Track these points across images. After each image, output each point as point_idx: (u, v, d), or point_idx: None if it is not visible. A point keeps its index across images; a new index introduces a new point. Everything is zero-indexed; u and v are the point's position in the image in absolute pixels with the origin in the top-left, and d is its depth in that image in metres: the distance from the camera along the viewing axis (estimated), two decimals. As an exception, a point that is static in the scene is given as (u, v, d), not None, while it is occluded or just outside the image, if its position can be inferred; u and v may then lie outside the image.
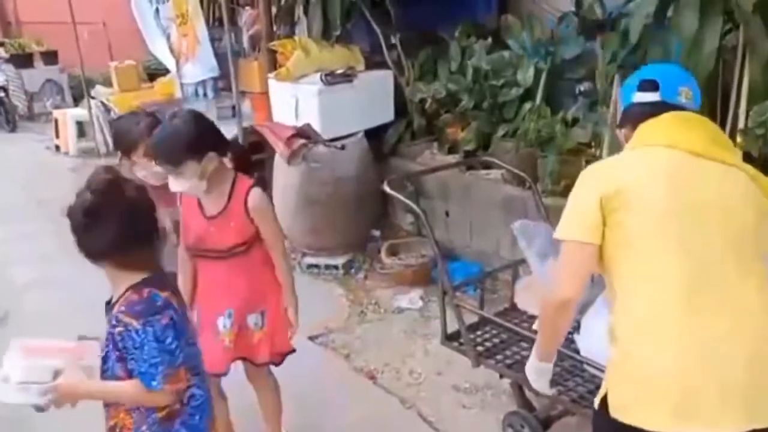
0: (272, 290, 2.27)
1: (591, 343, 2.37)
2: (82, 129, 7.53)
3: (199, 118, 2.13)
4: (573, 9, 3.86)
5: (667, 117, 1.57)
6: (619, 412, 1.48)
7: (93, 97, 7.26)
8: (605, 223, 1.51)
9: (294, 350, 2.35)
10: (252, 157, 2.36)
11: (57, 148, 7.76)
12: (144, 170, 2.21)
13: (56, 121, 7.79)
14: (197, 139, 2.03)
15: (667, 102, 1.60)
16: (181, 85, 5.52)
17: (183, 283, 2.20)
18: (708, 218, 1.48)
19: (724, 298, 1.45)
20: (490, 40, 4.23)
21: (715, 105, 3.06)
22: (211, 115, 5.00)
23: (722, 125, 3.03)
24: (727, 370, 1.41)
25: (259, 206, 2.14)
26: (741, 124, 2.90)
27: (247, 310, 2.24)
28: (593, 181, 1.57)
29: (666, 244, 1.47)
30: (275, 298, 2.28)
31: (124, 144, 2.24)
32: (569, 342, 2.57)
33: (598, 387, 2.27)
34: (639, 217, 1.49)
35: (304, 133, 4.01)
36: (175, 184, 2.05)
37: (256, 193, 2.14)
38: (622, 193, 1.50)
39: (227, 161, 2.15)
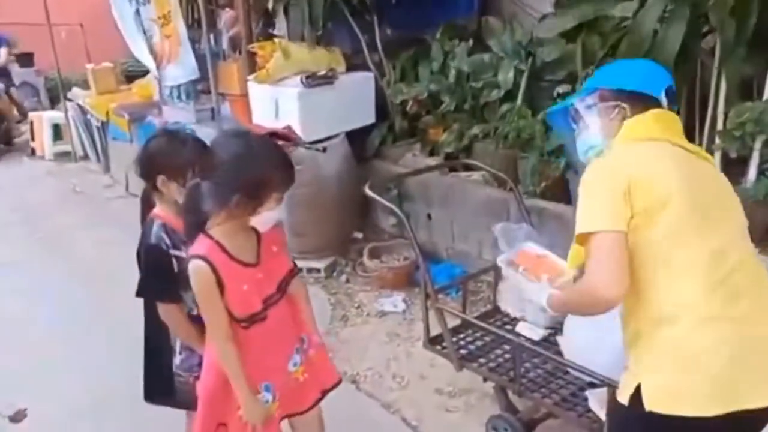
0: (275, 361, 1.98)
1: (574, 346, 2.37)
2: (58, 132, 7.42)
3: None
4: (553, 10, 3.87)
5: (652, 114, 1.63)
6: (658, 403, 1.45)
7: (70, 100, 7.16)
8: (633, 216, 1.48)
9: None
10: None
11: (32, 151, 7.64)
12: None
13: (32, 123, 7.66)
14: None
15: (658, 99, 1.67)
16: (160, 87, 5.45)
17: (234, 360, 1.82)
18: (716, 206, 1.56)
19: (745, 278, 1.51)
20: (471, 41, 4.24)
21: (693, 106, 3.09)
22: (190, 118, 4.99)
23: (701, 126, 3.06)
24: (759, 348, 1.48)
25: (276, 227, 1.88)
26: (719, 126, 2.93)
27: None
28: (617, 173, 1.53)
29: (692, 232, 1.50)
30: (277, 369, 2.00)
31: (171, 167, 1.92)
32: (552, 344, 2.58)
33: (581, 389, 2.30)
34: (670, 207, 1.48)
35: (283, 135, 3.96)
36: (269, 219, 1.78)
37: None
38: (653, 184, 1.50)
39: None
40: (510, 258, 2.01)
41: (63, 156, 7.34)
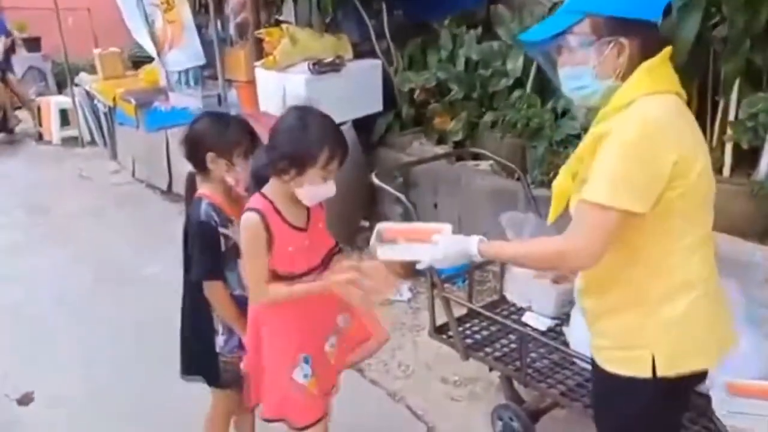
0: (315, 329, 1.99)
1: (580, 337, 2.35)
2: (65, 117, 7.42)
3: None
4: (563, -1, 3.82)
5: (668, 57, 1.45)
6: (671, 367, 1.49)
7: (77, 85, 7.14)
8: (668, 188, 1.38)
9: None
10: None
11: (40, 136, 7.65)
12: (242, 173, 1.96)
13: (39, 108, 7.66)
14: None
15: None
16: (166, 73, 5.43)
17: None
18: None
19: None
20: (480, 29, 4.20)
21: (705, 96, 3.06)
22: (197, 104, 4.97)
23: (713, 116, 3.03)
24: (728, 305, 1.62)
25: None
26: (731, 116, 2.89)
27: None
28: (657, 150, 1.36)
29: (705, 205, 1.51)
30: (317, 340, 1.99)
31: (219, 144, 1.94)
32: (558, 335, 2.57)
33: (587, 380, 2.29)
34: (697, 184, 1.42)
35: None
36: (312, 194, 1.80)
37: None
38: (688, 154, 1.39)
39: None
40: (380, 234, 1.78)
41: (70, 141, 7.34)
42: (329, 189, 1.80)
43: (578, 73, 1.50)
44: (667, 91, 1.44)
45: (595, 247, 1.42)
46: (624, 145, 1.37)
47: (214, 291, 1.98)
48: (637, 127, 1.37)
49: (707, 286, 1.52)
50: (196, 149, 1.97)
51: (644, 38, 1.43)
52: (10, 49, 7.98)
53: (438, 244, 1.66)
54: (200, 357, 2.09)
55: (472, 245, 1.60)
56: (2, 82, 7.68)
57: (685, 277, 1.49)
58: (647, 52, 1.44)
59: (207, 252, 1.95)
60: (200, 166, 1.99)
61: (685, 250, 1.48)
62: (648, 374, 1.49)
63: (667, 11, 1.44)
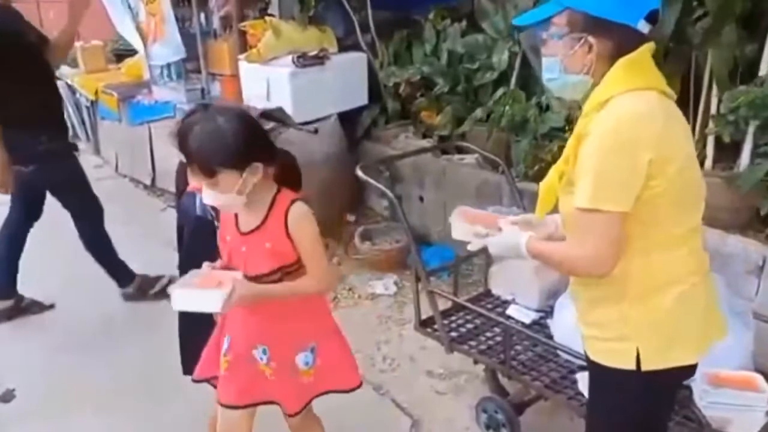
0: (320, 315, 1.99)
1: (564, 329, 2.37)
2: (47, 111, 7.32)
3: (247, 118, 1.77)
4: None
5: (648, 55, 1.46)
6: (657, 361, 1.50)
7: (58, 78, 7.04)
8: (650, 182, 1.40)
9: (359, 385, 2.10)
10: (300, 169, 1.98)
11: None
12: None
13: (20, 102, 7.56)
14: (244, 146, 1.69)
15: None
16: (150, 66, 5.38)
17: None
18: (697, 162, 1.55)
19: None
20: (464, 23, 4.19)
21: (687, 90, 3.08)
22: (180, 98, 4.92)
23: (695, 110, 3.05)
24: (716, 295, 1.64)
25: (300, 223, 1.80)
26: (713, 110, 2.92)
27: (290, 349, 1.94)
28: (633, 146, 1.37)
29: (693, 198, 1.51)
30: (327, 330, 2.00)
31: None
32: (542, 327, 2.59)
33: (571, 372, 2.31)
34: (685, 172, 1.44)
35: (272, 115, 3.93)
36: (208, 197, 1.75)
37: (298, 207, 1.80)
38: (664, 151, 1.40)
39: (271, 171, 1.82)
40: (458, 216, 1.91)
41: (51, 135, 7.25)
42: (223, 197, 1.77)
43: (551, 64, 1.53)
44: (646, 88, 1.44)
45: (600, 252, 1.43)
46: (600, 146, 1.40)
47: None
48: (612, 128, 1.39)
49: (695, 278, 1.53)
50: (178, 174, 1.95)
51: (619, 40, 1.44)
52: None
53: (502, 231, 1.72)
54: (198, 353, 2.06)
55: (522, 242, 1.60)
56: None
57: (672, 271, 1.50)
58: (623, 53, 1.44)
59: (204, 246, 1.92)
60: None
61: (671, 243, 1.48)
62: (633, 366, 1.50)
63: (655, 20, 1.44)
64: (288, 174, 1.87)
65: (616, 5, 1.42)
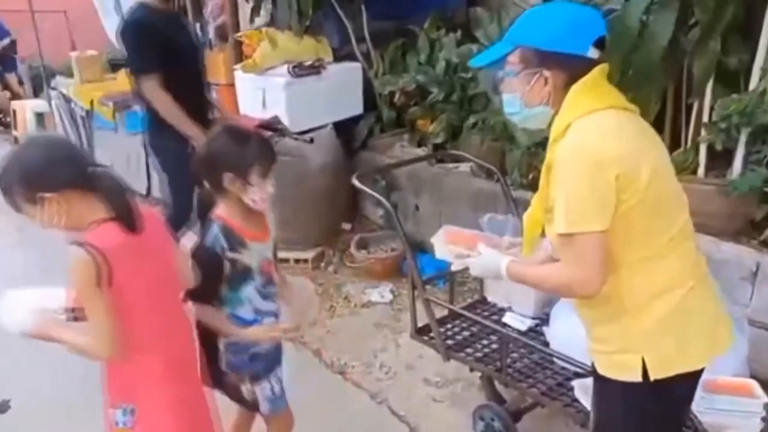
0: (144, 380, 1.70)
1: (560, 336, 2.38)
2: (41, 121, 7.32)
3: (49, 147, 1.60)
4: (540, 2, 3.86)
5: (600, 76, 1.50)
6: (664, 369, 1.50)
7: (53, 88, 7.05)
8: (621, 199, 1.43)
9: None
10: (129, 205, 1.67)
11: (15, 140, 7.53)
12: (260, 193, 1.89)
13: (14, 112, 7.56)
14: (33, 177, 1.52)
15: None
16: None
17: None
18: (672, 172, 1.57)
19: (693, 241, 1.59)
20: (459, 32, 4.23)
21: (680, 98, 3.11)
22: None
23: (687, 117, 3.08)
24: (717, 300, 1.62)
25: (70, 269, 1.53)
26: (705, 118, 2.94)
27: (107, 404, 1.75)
28: (597, 164, 1.41)
29: (676, 204, 1.53)
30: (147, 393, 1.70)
31: (238, 165, 1.86)
32: (538, 335, 2.60)
33: (567, 379, 2.31)
34: (657, 184, 1.46)
35: (269, 125, 3.94)
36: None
37: (72, 253, 1.51)
38: (630, 165, 1.42)
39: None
40: (444, 237, 2.02)
41: (47, 145, 7.25)
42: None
43: (510, 100, 1.59)
44: (604, 108, 1.47)
45: (586, 273, 1.46)
46: (568, 171, 1.44)
47: (201, 312, 1.92)
48: (575, 152, 1.44)
49: (692, 282, 1.52)
50: (213, 169, 1.88)
51: (572, 69, 1.48)
52: (9, 51, 7.85)
53: (481, 254, 1.75)
54: (214, 374, 2.05)
55: (503, 265, 1.66)
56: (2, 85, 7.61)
57: (664, 278, 1.50)
58: (578, 79, 1.49)
59: (205, 277, 1.88)
60: (217, 186, 1.89)
61: (656, 253, 1.49)
62: (640, 378, 1.50)
63: (602, 44, 1.50)
64: (114, 206, 1.59)
65: (565, 38, 1.48)
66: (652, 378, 1.49)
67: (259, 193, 1.88)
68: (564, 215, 1.44)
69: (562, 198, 1.45)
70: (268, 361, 2.06)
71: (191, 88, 3.40)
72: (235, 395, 2.06)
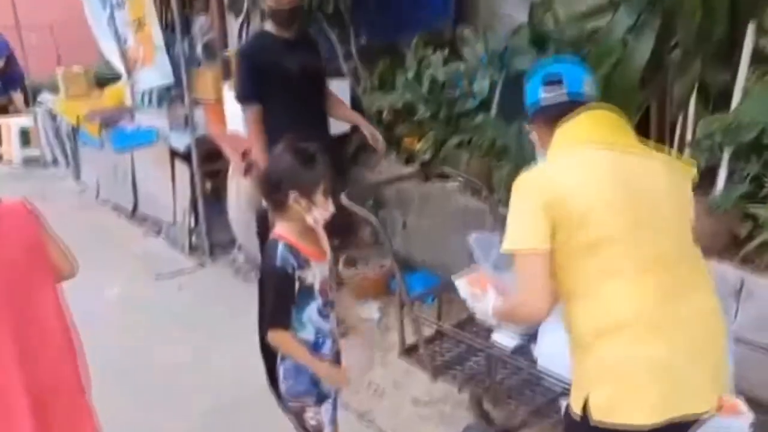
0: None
1: (548, 354, 2.38)
2: (26, 137, 7.27)
3: None
4: (527, 20, 3.91)
5: (583, 117, 1.59)
6: (604, 414, 1.46)
7: (39, 104, 7.02)
8: (555, 230, 1.49)
9: None
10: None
11: (0, 157, 7.47)
12: (323, 211, 1.94)
13: (-1, 128, 7.51)
14: None
15: (574, 98, 1.62)
16: (132, 92, 5.38)
17: None
18: (653, 208, 1.54)
19: (684, 283, 1.52)
20: (446, 50, 4.26)
21: (664, 117, 3.15)
22: (163, 124, 4.92)
23: (671, 137, 3.12)
24: (699, 349, 1.49)
25: None
26: (689, 136, 2.98)
27: None
28: (534, 188, 1.54)
29: (625, 241, 1.49)
30: None
31: (304, 184, 1.89)
32: (526, 353, 2.59)
33: (555, 399, 2.31)
34: (594, 219, 1.48)
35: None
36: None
37: None
38: (569, 198, 1.49)
39: None
40: (467, 279, 2.20)
41: (32, 161, 7.19)
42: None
43: (538, 152, 1.77)
44: (577, 145, 1.57)
45: (528, 295, 1.53)
46: (511, 198, 1.58)
47: (280, 338, 1.93)
48: (517, 181, 1.59)
49: (650, 329, 1.46)
50: (277, 188, 1.90)
51: (544, 116, 1.65)
52: (12, 66, 7.76)
53: (487, 295, 1.97)
54: (276, 394, 2.06)
55: (489, 308, 1.89)
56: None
57: (608, 319, 1.48)
58: (554, 122, 1.62)
59: (280, 299, 1.90)
60: (279, 205, 1.91)
61: (596, 291, 1.49)
62: (581, 414, 1.49)
63: (555, 80, 1.64)
64: None
65: (527, 93, 1.70)
66: (592, 419, 1.47)
67: (322, 211, 1.92)
68: (506, 236, 1.54)
69: (507, 221, 1.57)
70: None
71: (302, 115, 3.32)
72: (300, 424, 2.03)
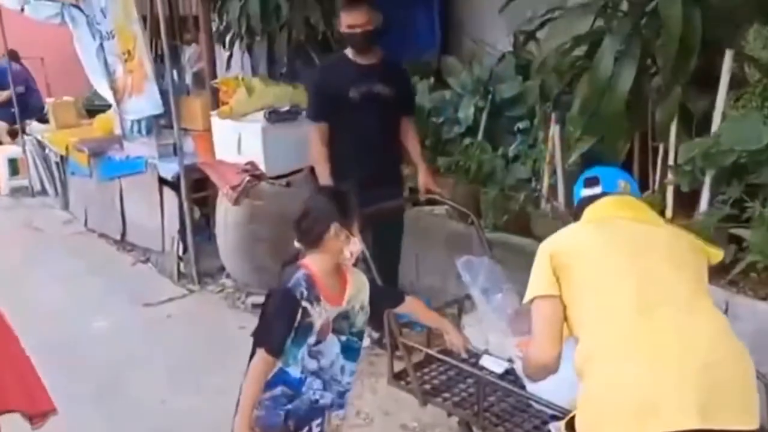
0: None
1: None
2: (15, 166, 7.26)
3: None
4: (511, 49, 4.00)
5: (607, 199, 1.86)
6: None
7: (28, 134, 7.02)
8: (559, 276, 1.71)
9: None
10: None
11: (-12, 186, 7.44)
12: (356, 246, 2.01)
13: (-14, 158, 7.48)
14: None
15: (608, 192, 1.87)
16: (121, 121, 5.40)
17: None
18: (648, 252, 1.71)
19: (676, 317, 1.61)
20: (432, 79, 4.33)
21: (646, 143, 3.20)
22: (152, 153, 4.94)
23: (653, 161, 3.17)
24: (683, 376, 1.52)
25: None
26: (671, 160, 3.03)
27: None
28: (546, 246, 1.79)
29: (617, 279, 1.67)
30: None
31: (345, 217, 1.98)
32: (515, 378, 2.59)
33: (544, 423, 2.30)
34: (590, 260, 1.71)
35: (252, 170, 3.99)
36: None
37: None
38: (572, 248, 1.74)
39: None
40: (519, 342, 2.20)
41: (20, 191, 7.16)
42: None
43: None
44: (593, 220, 1.84)
45: (538, 340, 1.73)
46: None
47: (256, 361, 1.90)
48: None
49: (627, 358, 1.56)
50: (318, 221, 1.95)
51: (582, 206, 1.91)
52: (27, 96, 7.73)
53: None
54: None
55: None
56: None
57: (592, 347, 1.63)
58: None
59: (277, 320, 1.90)
60: (316, 239, 1.96)
61: (586, 324, 1.66)
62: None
63: (593, 181, 1.93)
64: None
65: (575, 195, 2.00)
66: None
67: (356, 246, 1.97)
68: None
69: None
70: (301, 419, 2.02)
71: (361, 141, 3.33)
72: None
